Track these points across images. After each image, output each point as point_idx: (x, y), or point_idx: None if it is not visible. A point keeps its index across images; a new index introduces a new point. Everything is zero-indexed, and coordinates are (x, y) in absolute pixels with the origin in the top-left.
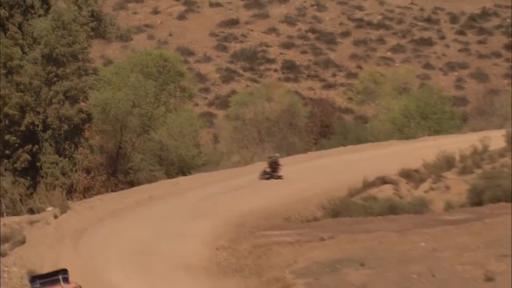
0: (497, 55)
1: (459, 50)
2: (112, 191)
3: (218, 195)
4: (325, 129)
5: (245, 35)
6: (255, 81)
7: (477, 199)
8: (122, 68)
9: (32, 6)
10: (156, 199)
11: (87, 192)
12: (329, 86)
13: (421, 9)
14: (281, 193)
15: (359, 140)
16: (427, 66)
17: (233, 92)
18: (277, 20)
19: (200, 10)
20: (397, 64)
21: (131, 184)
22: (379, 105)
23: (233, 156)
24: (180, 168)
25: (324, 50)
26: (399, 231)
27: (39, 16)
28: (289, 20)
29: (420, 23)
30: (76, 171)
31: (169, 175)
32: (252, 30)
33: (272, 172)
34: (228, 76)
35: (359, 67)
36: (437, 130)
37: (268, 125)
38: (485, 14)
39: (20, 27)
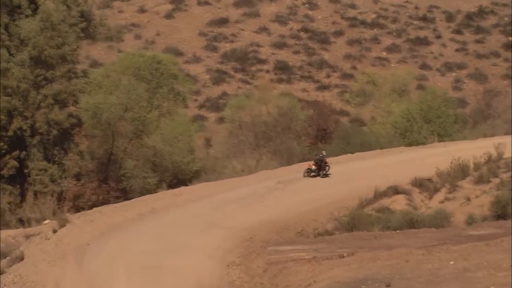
0: (496, 54)
1: (456, 50)
2: (103, 199)
3: (223, 206)
4: (322, 133)
5: (235, 34)
6: (246, 82)
7: (500, 211)
8: (114, 71)
9: (19, 6)
10: (159, 211)
11: (77, 200)
12: (323, 88)
13: (416, 8)
14: (290, 204)
15: (362, 146)
16: (424, 66)
17: (224, 94)
18: (268, 19)
19: (188, 9)
20: (392, 65)
21: (124, 191)
22: (378, 107)
23: (228, 161)
24: (174, 174)
25: (317, 50)
26: (423, 248)
27: (27, 16)
28: (280, 19)
29: (415, 22)
30: (65, 178)
31: (163, 182)
32: (242, 30)
33: (319, 170)
34: (219, 77)
35: (354, 67)
36: (441, 135)
37: (265, 129)
38: (482, 12)
39: (6, 28)
